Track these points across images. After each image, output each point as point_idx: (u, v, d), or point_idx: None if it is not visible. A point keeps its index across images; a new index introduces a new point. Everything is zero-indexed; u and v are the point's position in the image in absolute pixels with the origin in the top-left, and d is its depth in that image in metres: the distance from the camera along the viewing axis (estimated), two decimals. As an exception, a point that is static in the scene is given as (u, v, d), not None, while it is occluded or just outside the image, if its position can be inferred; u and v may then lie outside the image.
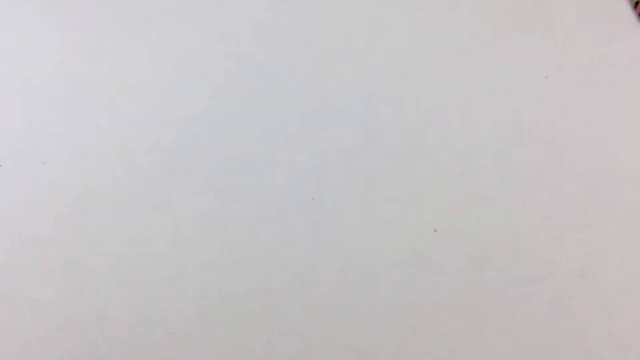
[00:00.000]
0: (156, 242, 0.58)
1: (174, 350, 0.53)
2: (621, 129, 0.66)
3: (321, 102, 0.68)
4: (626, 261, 0.57)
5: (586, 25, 0.75)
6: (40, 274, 0.56)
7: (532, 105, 0.67)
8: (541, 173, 0.62)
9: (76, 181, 0.62)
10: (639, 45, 0.73)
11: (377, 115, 0.67)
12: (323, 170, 0.63)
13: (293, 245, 0.58)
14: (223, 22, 0.76)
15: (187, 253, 0.57)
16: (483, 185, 0.61)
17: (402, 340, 0.53)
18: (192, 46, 0.73)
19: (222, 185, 0.62)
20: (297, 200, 0.61)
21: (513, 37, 0.74)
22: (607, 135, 0.65)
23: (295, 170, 0.63)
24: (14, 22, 0.76)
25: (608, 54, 0.72)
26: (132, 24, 0.75)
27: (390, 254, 0.57)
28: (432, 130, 0.66)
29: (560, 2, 0.77)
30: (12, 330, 0.54)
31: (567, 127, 0.66)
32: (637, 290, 0.55)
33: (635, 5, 0.76)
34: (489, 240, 0.58)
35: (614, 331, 0.53)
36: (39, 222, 0.59)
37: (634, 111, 0.67)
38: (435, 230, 0.59)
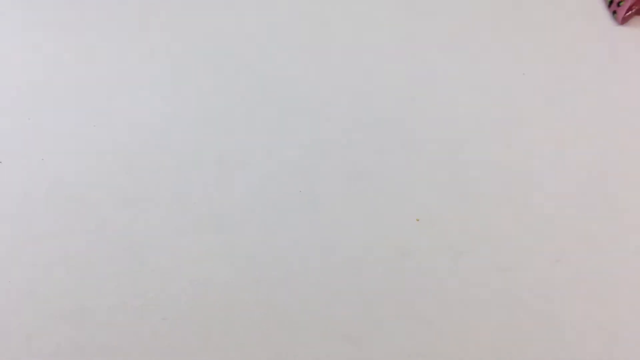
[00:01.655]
0: (151, 233, 0.60)
1: (169, 335, 0.55)
2: (597, 123, 0.68)
3: (308, 97, 0.70)
4: (600, 247, 0.59)
5: (562, 24, 0.77)
6: (39, 266, 0.58)
7: (510, 102, 0.70)
8: (518, 166, 0.65)
9: (74, 176, 0.64)
10: (614, 43, 0.76)
11: (362, 110, 0.69)
12: (310, 164, 0.65)
13: (282, 235, 0.60)
14: (213, 20, 0.78)
15: (181, 243, 0.60)
16: (463, 177, 0.64)
17: (388, 326, 0.55)
18: (184, 44, 0.75)
19: (214, 178, 0.64)
20: (286, 193, 0.63)
21: (491, 36, 0.76)
22: (583, 130, 0.68)
23: (284, 163, 0.65)
24: (14, 22, 0.78)
25: (584, 51, 0.75)
26: (126, 24, 0.78)
27: (375, 243, 0.60)
28: (415, 125, 0.68)
29: (537, 1, 0.80)
30: (14, 320, 0.56)
31: (544, 123, 0.68)
32: (611, 273, 0.58)
33: (610, 4, 0.78)
34: (469, 229, 0.60)
35: (590, 314, 0.56)
36: (38, 216, 0.61)
37: (609, 106, 0.70)
38: (418, 220, 0.61)
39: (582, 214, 0.61)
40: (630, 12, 0.77)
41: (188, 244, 0.60)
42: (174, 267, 0.58)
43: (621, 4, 0.77)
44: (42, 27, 0.78)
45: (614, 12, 0.78)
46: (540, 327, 0.55)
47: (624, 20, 0.77)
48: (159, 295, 0.57)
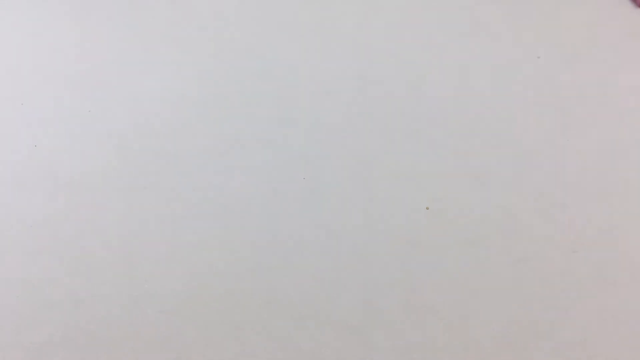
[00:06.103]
0: (147, 222, 0.58)
1: (166, 327, 0.52)
2: (613, 108, 0.66)
3: (313, 82, 0.68)
4: (617, 237, 0.57)
5: (578, 5, 0.75)
6: (31, 254, 0.56)
7: (524, 85, 0.67)
8: (533, 152, 0.62)
9: (68, 163, 0.62)
10: (630, 25, 0.73)
11: (369, 95, 0.67)
12: (315, 150, 0.63)
13: (285, 224, 0.58)
14: (214, 5, 0.76)
15: (179, 232, 0.57)
16: (475, 164, 0.61)
17: (394, 317, 0.53)
18: (182, 30, 0.73)
19: (214, 165, 0.62)
20: (289, 180, 0.60)
21: (506, 18, 0.74)
22: (599, 114, 0.65)
23: (287, 149, 0.63)
24: (7, 9, 0.76)
25: (599, 33, 0.72)
26: (123, 10, 0.76)
27: (382, 231, 0.57)
28: (425, 111, 0.66)
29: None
30: (4, 309, 0.54)
31: (560, 107, 0.66)
32: (628, 264, 0.55)
33: (629, -14, 0.76)
34: (481, 218, 0.58)
35: (607, 305, 0.53)
36: (31, 202, 0.59)
37: (624, 90, 0.67)
38: (427, 208, 0.59)
39: (600, 203, 0.59)
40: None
41: (186, 233, 0.57)
42: (172, 257, 0.56)
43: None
44: (36, 13, 0.76)
45: (633, -6, 0.75)
46: (554, 319, 0.52)
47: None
48: (155, 286, 0.54)
